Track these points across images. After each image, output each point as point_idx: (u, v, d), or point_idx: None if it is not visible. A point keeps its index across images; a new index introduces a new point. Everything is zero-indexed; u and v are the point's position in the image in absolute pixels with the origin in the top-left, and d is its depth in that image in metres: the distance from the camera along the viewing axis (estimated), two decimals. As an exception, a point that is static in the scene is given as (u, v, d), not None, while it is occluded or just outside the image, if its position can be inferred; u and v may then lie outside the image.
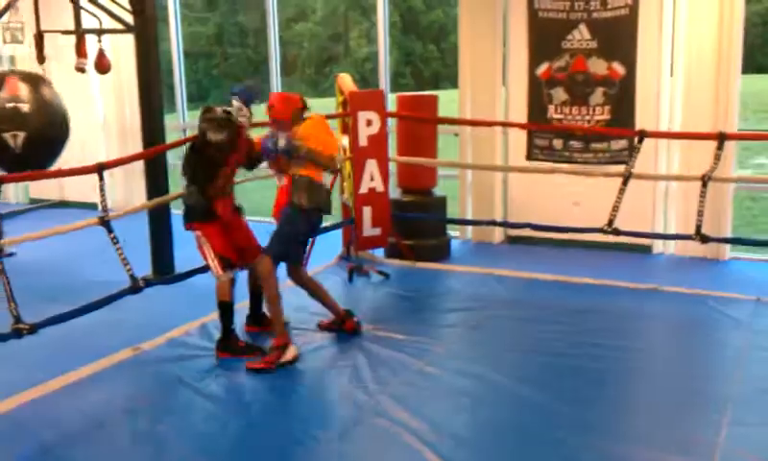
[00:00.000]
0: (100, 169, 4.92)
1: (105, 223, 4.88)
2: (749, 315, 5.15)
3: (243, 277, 4.98)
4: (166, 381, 4.33)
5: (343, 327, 4.95)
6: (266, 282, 4.60)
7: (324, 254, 6.54)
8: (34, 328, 4.28)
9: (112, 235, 4.87)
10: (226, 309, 4.73)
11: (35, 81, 6.84)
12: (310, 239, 5.06)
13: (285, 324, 4.69)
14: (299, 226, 4.70)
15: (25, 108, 6.74)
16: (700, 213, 5.53)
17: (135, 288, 4.89)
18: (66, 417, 3.91)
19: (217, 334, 4.92)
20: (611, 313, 5.27)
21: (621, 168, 5.96)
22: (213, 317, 5.27)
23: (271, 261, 4.59)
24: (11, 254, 7.10)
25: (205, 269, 5.30)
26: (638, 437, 3.58)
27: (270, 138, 4.62)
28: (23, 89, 6.72)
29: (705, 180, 5.51)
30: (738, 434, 3.54)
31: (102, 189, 4.93)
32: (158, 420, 3.84)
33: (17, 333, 4.21)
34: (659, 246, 7.01)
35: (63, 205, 10.13)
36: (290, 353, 4.49)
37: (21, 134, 6.61)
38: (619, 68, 6.79)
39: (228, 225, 4.74)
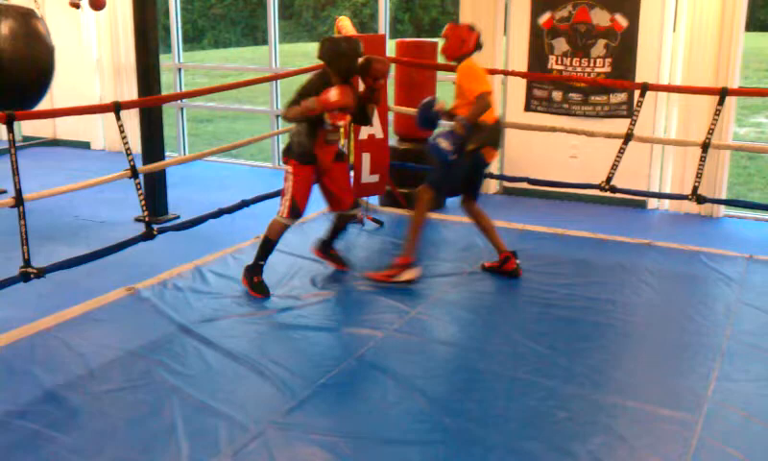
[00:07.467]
0: (117, 108, 4.72)
1: (133, 172, 4.79)
2: (741, 272, 5.19)
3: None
4: (160, 323, 4.33)
5: (503, 268, 5.03)
6: (417, 208, 4.78)
7: (319, 200, 6.51)
8: (42, 272, 4.17)
9: (138, 181, 4.83)
10: (267, 246, 4.80)
11: None
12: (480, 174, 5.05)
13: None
14: (459, 164, 4.70)
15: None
16: (698, 176, 5.51)
17: (148, 236, 4.84)
18: (60, 357, 3.92)
19: (212, 277, 4.95)
20: (605, 266, 5.30)
21: (621, 123, 5.90)
22: (207, 259, 5.29)
23: (429, 191, 4.76)
24: (2, 192, 7.06)
25: (214, 216, 5.36)
26: (628, 389, 3.63)
27: (438, 140, 4.61)
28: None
29: (705, 146, 5.48)
30: (726, 388, 3.59)
31: (122, 130, 4.74)
32: (152, 361, 3.85)
33: (25, 277, 4.12)
34: (653, 202, 7.01)
35: (56, 143, 10.03)
36: (407, 275, 4.73)
37: None
38: (622, 20, 6.71)
39: (326, 172, 4.80)
